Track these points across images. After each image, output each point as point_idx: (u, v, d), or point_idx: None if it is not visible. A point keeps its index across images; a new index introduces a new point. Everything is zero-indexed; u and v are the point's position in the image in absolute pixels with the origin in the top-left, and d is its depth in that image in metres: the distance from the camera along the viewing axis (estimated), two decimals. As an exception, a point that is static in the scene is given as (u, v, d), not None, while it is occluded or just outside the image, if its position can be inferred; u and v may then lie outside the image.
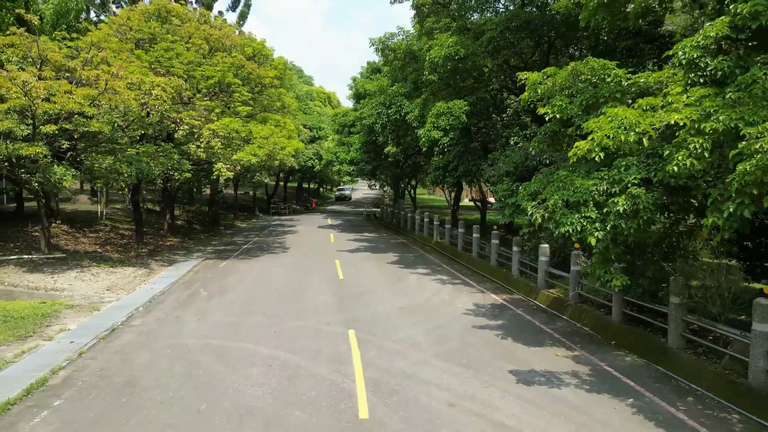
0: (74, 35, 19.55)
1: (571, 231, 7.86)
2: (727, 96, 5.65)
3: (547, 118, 8.93)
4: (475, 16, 17.51)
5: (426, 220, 24.93)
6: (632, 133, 6.13)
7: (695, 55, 6.26)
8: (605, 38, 12.65)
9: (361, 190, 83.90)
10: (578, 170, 8.41)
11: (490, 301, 12.73)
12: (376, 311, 11.37)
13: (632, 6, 8.56)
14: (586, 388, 7.25)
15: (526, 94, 9.52)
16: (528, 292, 13.49)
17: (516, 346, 9.11)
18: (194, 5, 35.97)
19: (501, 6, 16.92)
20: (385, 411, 6.39)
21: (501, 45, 14.09)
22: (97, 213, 24.91)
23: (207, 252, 20.81)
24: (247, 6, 35.40)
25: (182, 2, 24.23)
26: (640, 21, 9.26)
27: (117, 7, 34.63)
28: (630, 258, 9.01)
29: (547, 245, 13.25)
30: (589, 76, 9.07)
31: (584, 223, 7.82)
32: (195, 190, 34.05)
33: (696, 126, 5.58)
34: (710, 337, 8.16)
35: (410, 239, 25.53)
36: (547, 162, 12.97)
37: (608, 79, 8.77)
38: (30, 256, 16.08)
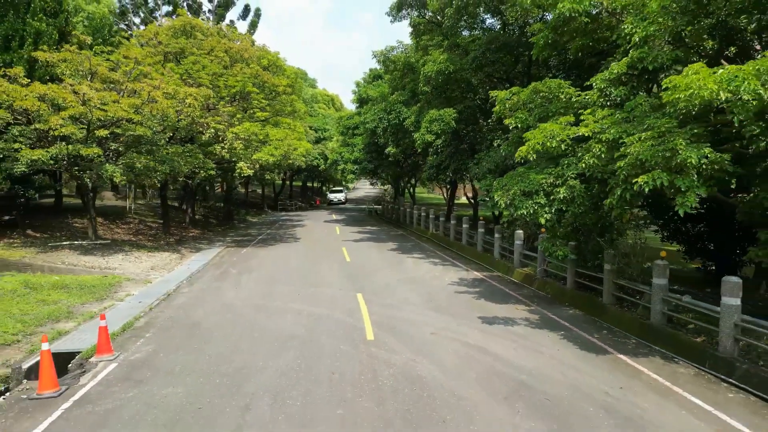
0: (109, 48, 22.37)
1: (525, 213, 10.58)
2: (616, 116, 8.38)
3: (511, 127, 11.66)
4: (465, 32, 20.22)
5: (423, 214, 27.68)
6: (555, 140, 8.87)
7: (603, 86, 8.95)
8: (571, 57, 15.36)
9: (363, 188, 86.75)
10: (534, 167, 11.15)
11: (473, 276, 15.47)
12: (378, 282, 14.11)
13: (571, 45, 11.26)
14: (533, 326, 9.99)
15: (497, 108, 12.25)
16: (506, 270, 16.22)
17: (487, 303, 11.85)
18: (207, 15, 38.75)
19: (488, 24, 19.67)
20: (385, 336, 9.13)
21: (483, 63, 16.83)
22: (125, 207, 27.75)
23: (227, 241, 23.56)
24: (257, 16, 38.22)
25: (199, 13, 26.93)
26: (580, 54, 11.94)
27: (134, 16, 37.46)
28: (576, 236, 11.75)
29: (521, 231, 15.98)
30: (546, 93, 11.77)
31: (536, 207, 10.54)
32: (208, 188, 36.81)
33: (597, 136, 8.31)
34: (637, 296, 10.84)
35: (409, 231, 28.27)
36: (522, 161, 15.70)
37: (561, 96, 11.46)
38: (81, 242, 18.86)
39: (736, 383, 7.15)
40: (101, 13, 28.71)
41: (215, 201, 36.44)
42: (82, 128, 17.13)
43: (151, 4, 37.53)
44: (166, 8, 38.85)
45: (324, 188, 64.11)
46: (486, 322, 10.20)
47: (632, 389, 6.99)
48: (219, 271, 16.36)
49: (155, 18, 38.26)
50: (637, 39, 8.61)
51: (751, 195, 8.86)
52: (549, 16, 13.45)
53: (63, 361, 8.23)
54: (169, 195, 33.68)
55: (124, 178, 17.74)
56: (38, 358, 7.71)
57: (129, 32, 32.04)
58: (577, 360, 8.15)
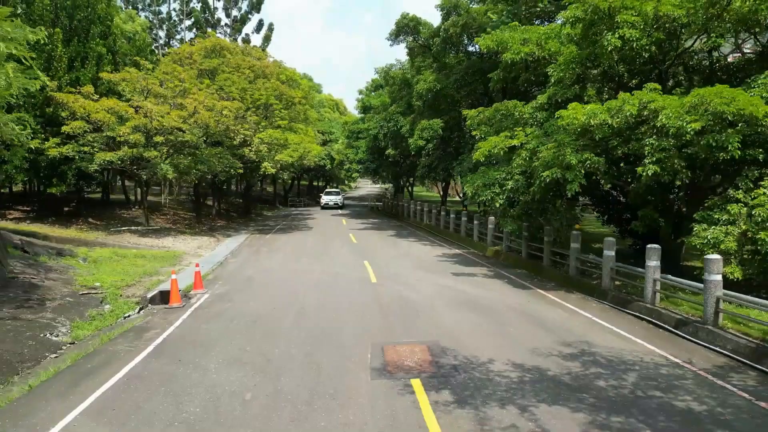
0: (151, 66, 26.82)
1: (485, 199, 15.07)
2: (537, 132, 12.81)
3: (477, 137, 16.12)
4: (452, 53, 24.64)
5: (418, 208, 32.14)
6: (496, 148, 13.31)
7: (532, 111, 13.34)
8: (521, 87, 19.66)
9: (365, 187, 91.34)
10: (492, 167, 15.61)
11: (454, 252, 19.93)
12: (379, 255, 18.56)
13: (522, 76, 15.72)
14: (487, 277, 14.44)
15: (468, 122, 16.72)
16: (481, 249, 20.65)
17: (459, 266, 16.29)
18: (225, 28, 43.27)
19: (470, 49, 24.03)
20: (384, 281, 13.58)
21: (463, 84, 21.26)
22: (159, 201, 32.25)
23: (250, 230, 28.04)
24: (270, 30, 42.74)
25: (216, 27, 31.37)
26: (526, 84, 16.37)
27: (159, 29, 41.95)
28: (525, 218, 16.18)
29: (493, 218, 20.40)
30: (504, 111, 16.22)
31: (492, 195, 15.02)
32: (226, 186, 41.27)
33: (524, 146, 12.74)
34: (582, 265, 15.18)
35: (406, 223, 32.72)
36: (494, 162, 20.13)
37: (515, 113, 15.90)
38: (136, 228, 23.35)
39: (605, 302, 11.57)
40: (137, 31, 33.24)
41: (234, 197, 40.92)
42: (143, 135, 21.60)
43: (174, 19, 42.06)
44: (187, 21, 43.42)
45: (329, 186, 68.53)
46: (456, 275, 14.67)
47: (537, 303, 11.43)
48: (252, 249, 20.83)
49: (178, 31, 42.86)
50: (553, 80, 13.05)
51: (632, 185, 13.29)
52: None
53: (167, 295, 12.63)
54: (198, 191, 38.16)
55: (176, 175, 22.19)
56: (153, 293, 12.15)
57: (160, 45, 36.57)
58: (509, 291, 12.60)
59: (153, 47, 33.77)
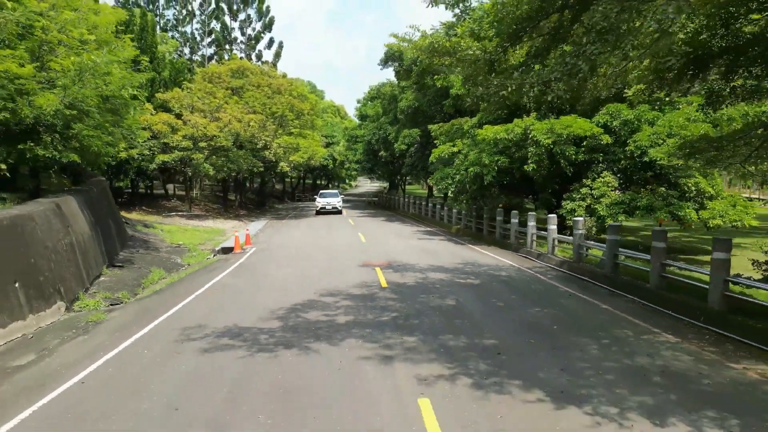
0: (186, 85, 33.98)
1: (442, 188, 22.28)
2: (468, 143, 19.92)
3: (437, 144, 23.30)
4: (428, 77, 31.73)
5: (407, 200, 39.33)
6: (444, 153, 20.45)
7: (468, 128, 20.48)
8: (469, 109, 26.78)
9: (364, 186, 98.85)
10: (448, 166, 22.81)
11: (426, 229, 27.11)
12: (371, 231, 25.71)
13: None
14: (441, 240, 21.59)
15: (433, 133, 23.87)
16: (449, 228, 27.78)
17: (425, 236, 23.44)
18: (240, 44, 50.44)
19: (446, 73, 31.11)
20: (371, 242, 20.76)
21: (433, 103, 28.37)
22: (191, 195, 39.43)
23: (268, 217, 35.24)
24: (280, 47, 50.01)
25: (233, 44, 38.63)
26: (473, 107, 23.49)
27: (183, 47, 49.09)
28: (470, 200, 23.33)
29: (460, 206, 27.54)
30: (458, 126, 23.35)
31: (447, 185, 22.22)
32: (246, 183, 48.43)
33: (461, 152, 19.86)
34: (504, 231, 22.28)
35: (397, 213, 39.91)
36: (450, 163, 27.27)
37: (466, 126, 23.01)
38: (182, 213, 30.56)
39: (508, 250, 18.67)
40: (170, 51, 40.43)
41: (249, 193, 48.15)
42: (190, 141, 28.78)
43: (197, 38, 49.34)
44: (207, 39, 50.65)
45: (330, 186, 75.73)
46: (420, 239, 21.86)
47: (462, 249, 18.57)
48: (274, 228, 28.03)
49: (200, 48, 50.13)
50: (482, 107, 20.22)
51: (537, 176, 20.37)
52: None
53: (228, 249, 19.74)
54: (216, 187, 45.42)
55: (214, 171, 29.40)
56: (218, 247, 19.30)
57: (187, 60, 43.75)
58: (450, 245, 19.75)
59: (189, 67, 40.97)
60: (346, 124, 54.76)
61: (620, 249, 12.70)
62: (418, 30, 10.61)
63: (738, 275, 9.55)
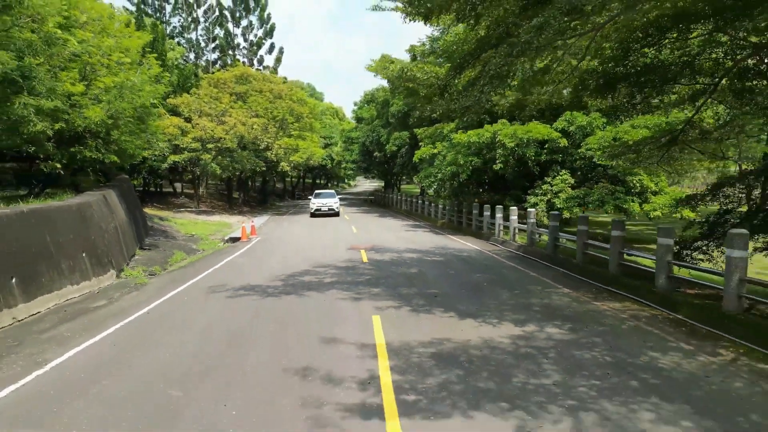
0: (194, 91, 37.03)
1: (426, 185, 25.30)
2: (446, 145, 22.89)
3: (422, 146, 26.32)
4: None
5: (400, 198, 42.34)
6: (426, 154, 23.43)
7: (447, 132, 23.48)
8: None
9: (363, 185, 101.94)
10: (432, 166, 25.85)
11: (414, 223, 30.12)
12: (363, 224, 28.73)
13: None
14: (425, 232, 24.61)
15: (419, 137, 26.89)
16: (435, 222, 30.81)
17: (411, 228, 26.45)
18: (242, 50, 53.42)
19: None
20: (362, 232, 23.77)
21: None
22: (198, 193, 42.50)
23: (270, 213, 38.28)
24: (281, 53, 53.05)
25: (236, 50, 41.72)
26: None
27: (189, 53, 52.03)
28: (451, 197, 26.35)
29: (444, 202, 30.55)
30: (441, 130, 26.35)
31: (429, 183, 25.25)
32: (249, 182, 51.47)
33: (440, 153, 22.83)
34: (478, 223, 25.28)
35: (391, 210, 42.94)
36: (433, 163, 30.30)
37: (445, 130, 26.01)
38: (191, 209, 33.61)
39: (480, 239, 21.67)
40: (177, 58, 43.46)
41: (251, 191, 51.22)
42: (198, 143, 31.81)
43: (201, 44, 52.39)
44: (211, 44, 53.66)
45: (329, 185, 78.69)
46: (406, 231, 24.86)
47: (439, 238, 21.58)
48: (276, 223, 31.06)
49: (204, 53, 53.14)
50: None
51: (507, 174, 23.36)
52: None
53: (236, 238, 22.76)
54: (220, 186, 48.47)
55: (220, 171, 32.43)
56: (227, 237, 22.32)
57: (191, 64, 46.77)
58: (431, 235, 22.75)
59: (195, 72, 44.00)
60: (344, 125, 57.87)
61: (561, 234, 15.72)
62: (392, 61, 13.53)
63: (631, 248, 12.56)
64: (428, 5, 10.02)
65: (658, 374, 5.99)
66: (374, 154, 40.52)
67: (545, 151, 20.87)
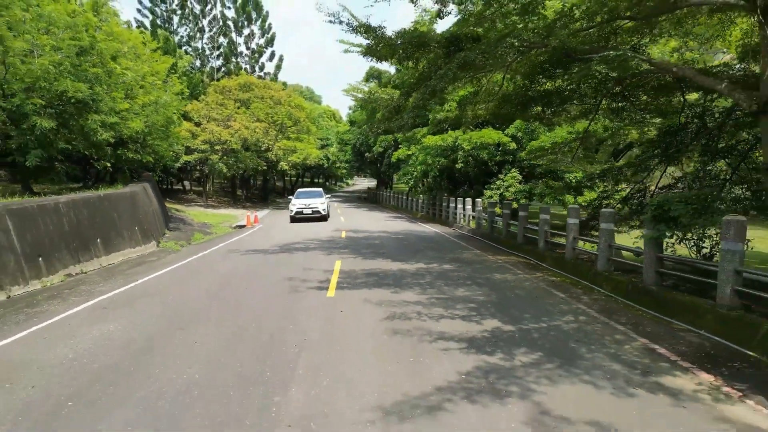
0: (202, 98, 41.94)
1: (404, 182, 30.16)
2: (419, 147, 27.70)
3: (401, 148, 31.19)
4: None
5: (388, 194, 47.20)
6: (403, 155, 28.23)
7: (420, 136, 28.31)
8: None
9: (360, 184, 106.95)
10: (408, 164, 30.72)
11: (396, 215, 34.97)
12: (351, 216, 33.56)
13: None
14: (402, 221, 29.45)
15: (399, 140, 31.75)
16: (416, 215, 35.64)
17: (392, 219, 31.29)
18: (245, 56, 58.32)
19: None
20: (348, 220, 28.63)
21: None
22: (204, 190, 47.43)
23: (271, 208, 43.18)
24: (281, 60, 58.00)
25: (238, 56, 46.79)
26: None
27: (195, 60, 56.97)
28: (427, 191, 31.16)
29: (423, 196, 35.39)
30: (414, 135, 31.17)
31: (407, 179, 30.11)
32: (251, 180, 56.34)
33: (414, 155, 27.63)
34: (446, 214, 30.06)
35: (380, 205, 47.80)
36: (409, 163, 35.15)
37: (419, 135, 30.80)
38: (200, 203, 38.51)
39: (446, 226, 26.48)
40: (185, 66, 48.38)
41: (252, 189, 56.14)
42: (207, 145, 36.68)
43: (206, 52, 57.33)
44: (215, 52, 58.58)
45: (327, 183, 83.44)
46: (386, 221, 29.70)
47: (412, 224, 26.41)
48: (275, 216, 35.95)
49: (209, 60, 58.05)
50: (430, 119, 28.01)
51: (470, 172, 28.15)
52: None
53: (242, 225, 27.57)
54: (224, 184, 53.39)
55: (226, 170, 37.33)
56: (234, 225, 27.17)
57: (198, 71, 51.71)
58: (406, 222, 27.56)
59: (202, 79, 48.93)
60: (340, 128, 62.88)
61: (496, 218, 20.56)
62: (358, 89, 18.33)
63: (535, 225, 17.41)
64: (378, 53, 14.87)
65: (487, 281, 10.83)
66: (365, 155, 45.36)
67: (500, 152, 25.68)
